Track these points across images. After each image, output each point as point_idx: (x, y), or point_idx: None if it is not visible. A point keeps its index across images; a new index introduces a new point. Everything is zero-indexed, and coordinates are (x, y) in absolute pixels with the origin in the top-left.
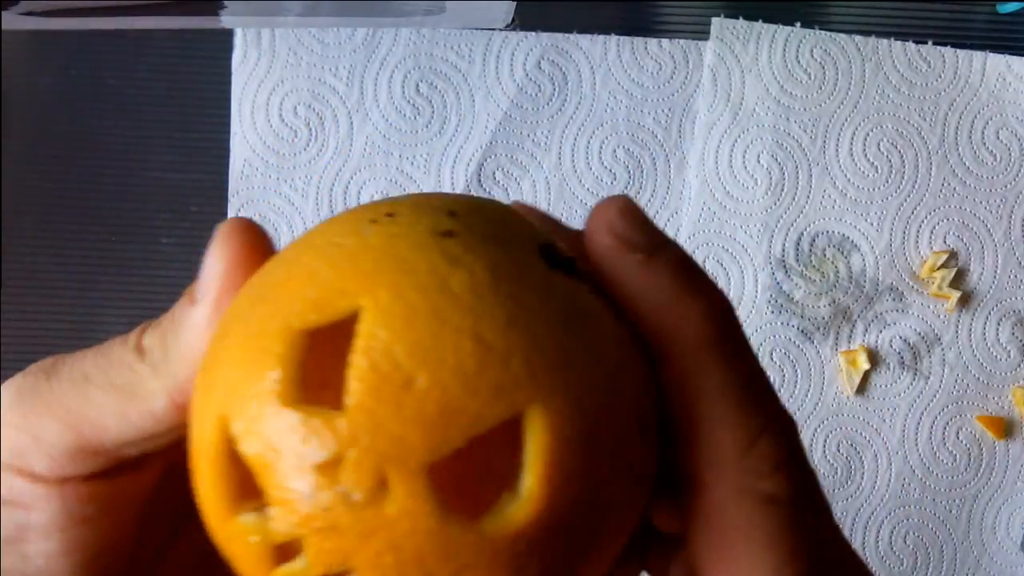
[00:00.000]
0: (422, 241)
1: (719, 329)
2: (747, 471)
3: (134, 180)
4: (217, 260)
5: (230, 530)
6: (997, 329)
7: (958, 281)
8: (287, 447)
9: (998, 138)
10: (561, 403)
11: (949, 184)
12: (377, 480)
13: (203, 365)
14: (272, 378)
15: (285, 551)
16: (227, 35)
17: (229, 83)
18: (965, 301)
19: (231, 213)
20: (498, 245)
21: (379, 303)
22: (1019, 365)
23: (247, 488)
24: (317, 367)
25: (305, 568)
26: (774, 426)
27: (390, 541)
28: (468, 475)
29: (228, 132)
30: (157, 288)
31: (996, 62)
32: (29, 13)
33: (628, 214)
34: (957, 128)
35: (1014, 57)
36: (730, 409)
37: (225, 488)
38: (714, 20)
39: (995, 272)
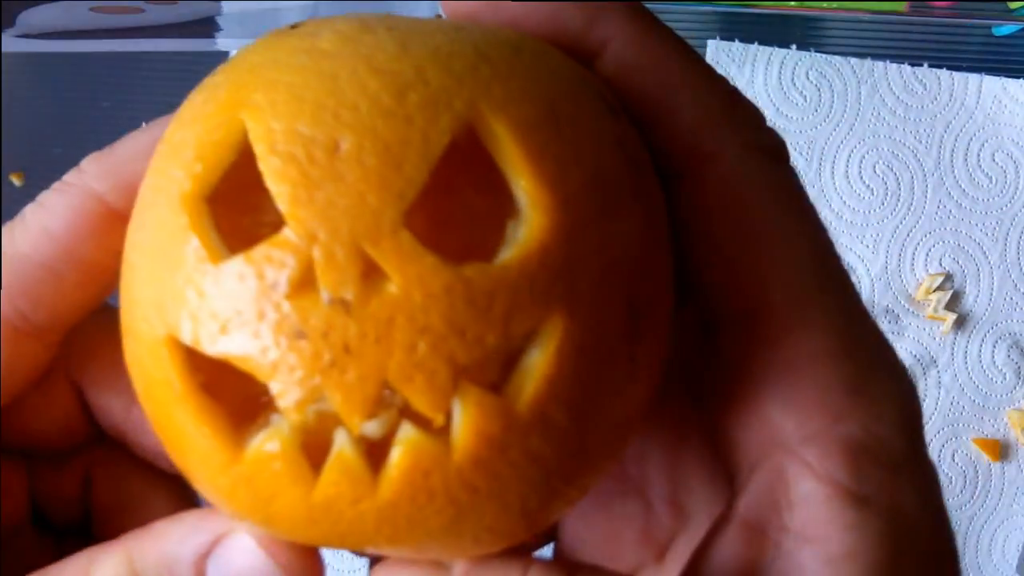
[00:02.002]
0: (269, 42)
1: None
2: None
3: None
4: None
5: (244, 469)
6: (993, 351)
7: (954, 303)
8: (247, 299)
9: (994, 160)
10: (501, 92)
11: (945, 206)
12: (360, 265)
13: (122, 306)
14: (192, 249)
15: (318, 446)
16: (223, 57)
17: None
18: (961, 323)
19: None
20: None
21: (258, 104)
22: (1015, 387)
23: (241, 411)
24: (234, 229)
25: (344, 444)
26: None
27: (412, 324)
28: (458, 223)
29: None
30: None
31: (992, 84)
32: (25, 36)
33: None
34: (953, 150)
35: (1010, 79)
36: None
37: (216, 422)
38: (710, 43)
39: (991, 294)
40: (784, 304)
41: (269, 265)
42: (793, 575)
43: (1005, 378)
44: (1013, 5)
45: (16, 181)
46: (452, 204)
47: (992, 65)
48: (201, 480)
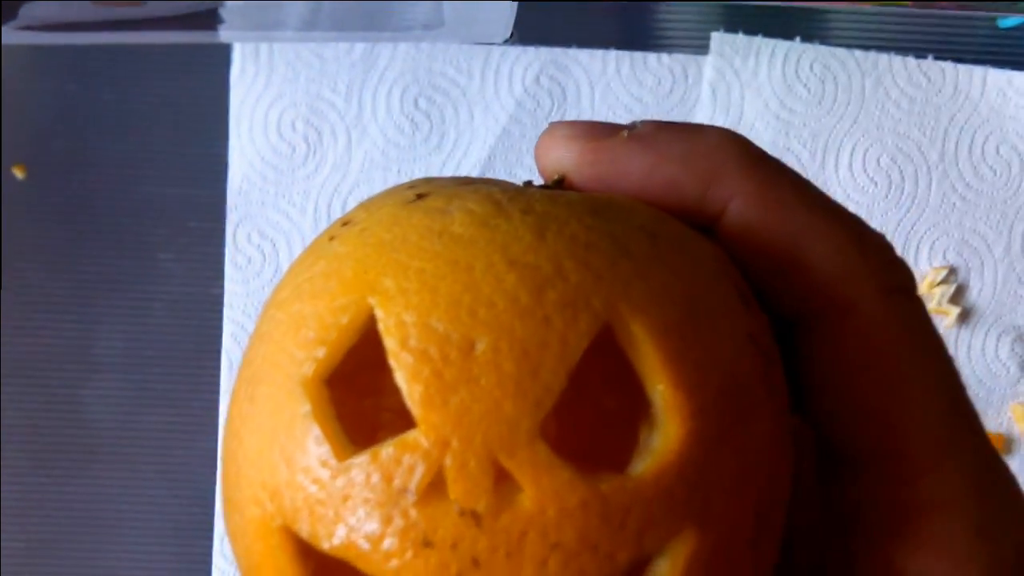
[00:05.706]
0: (396, 215)
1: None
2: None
3: (131, 195)
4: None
5: None
6: (997, 345)
7: (958, 297)
8: (373, 502)
9: (998, 153)
10: (641, 291)
11: (949, 200)
12: (493, 475)
13: (226, 475)
14: (314, 440)
15: None
16: (225, 50)
17: (227, 98)
18: (965, 317)
19: (229, 229)
20: (484, 185)
21: (388, 291)
22: (1019, 381)
23: None
24: (354, 413)
25: None
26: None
27: (545, 540)
28: (589, 423)
29: (226, 147)
30: (154, 303)
31: (996, 77)
32: (27, 27)
33: (581, 123)
34: (957, 143)
35: (1015, 72)
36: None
37: None
38: (713, 35)
39: (995, 288)
40: (919, 448)
41: (398, 469)
42: None
43: (1009, 372)
44: None
45: (18, 174)
46: (583, 403)
47: (997, 57)
48: None
